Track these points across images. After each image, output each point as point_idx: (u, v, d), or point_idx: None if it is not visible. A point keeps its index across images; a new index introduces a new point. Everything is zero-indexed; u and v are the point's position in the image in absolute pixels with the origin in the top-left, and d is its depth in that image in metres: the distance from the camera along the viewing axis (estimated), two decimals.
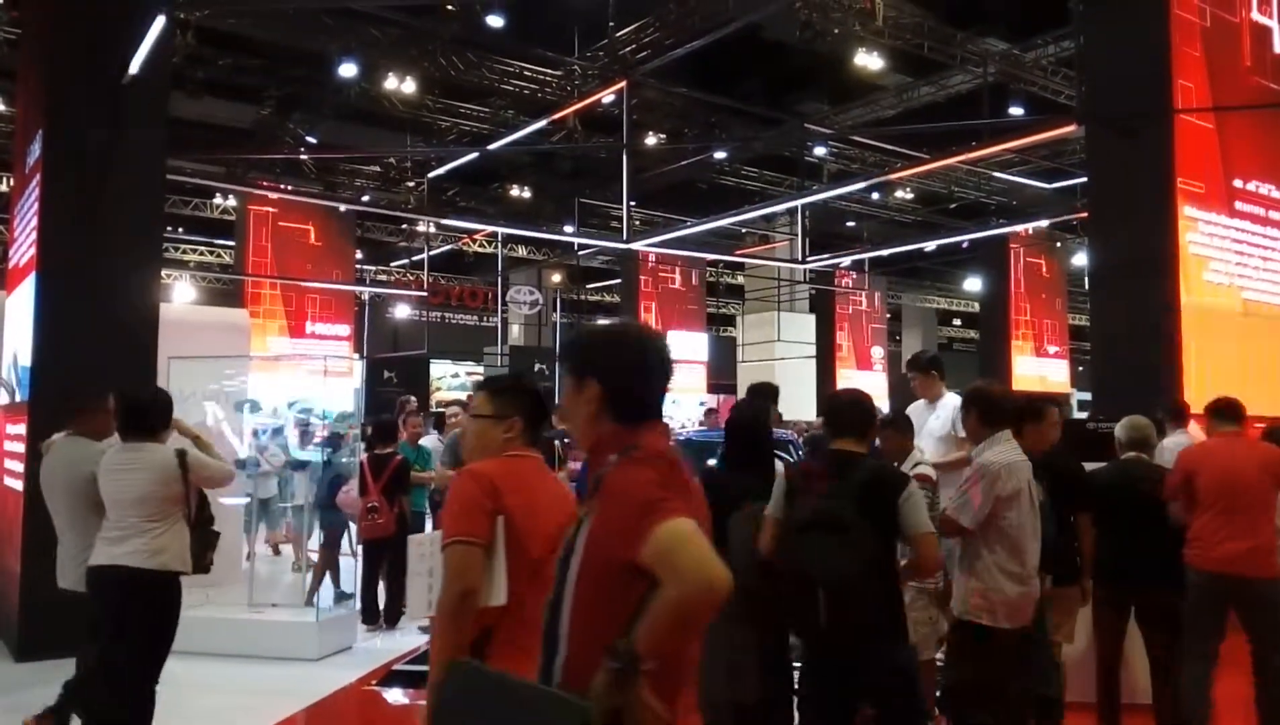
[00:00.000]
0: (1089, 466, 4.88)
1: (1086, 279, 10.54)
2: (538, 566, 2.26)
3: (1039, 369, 17.96)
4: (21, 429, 6.55)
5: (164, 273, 8.67)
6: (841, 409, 3.63)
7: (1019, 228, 17.55)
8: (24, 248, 7.17)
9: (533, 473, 2.53)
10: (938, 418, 5.45)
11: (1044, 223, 17.24)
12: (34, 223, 6.71)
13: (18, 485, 6.53)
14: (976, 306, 26.92)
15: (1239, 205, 8.11)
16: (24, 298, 6.89)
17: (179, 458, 4.25)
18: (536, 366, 19.31)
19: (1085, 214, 10.28)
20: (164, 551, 4.12)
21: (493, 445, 2.53)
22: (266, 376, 10.97)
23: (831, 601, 3.13)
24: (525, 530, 2.35)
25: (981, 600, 3.86)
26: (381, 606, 7.37)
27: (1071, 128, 8.53)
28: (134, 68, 6.53)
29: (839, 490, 3.34)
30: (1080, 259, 19.10)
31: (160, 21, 6.27)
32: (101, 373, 6.49)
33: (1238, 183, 8.12)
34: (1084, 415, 8.76)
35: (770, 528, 3.49)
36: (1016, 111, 15.26)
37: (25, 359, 6.65)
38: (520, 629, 2.24)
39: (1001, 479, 3.85)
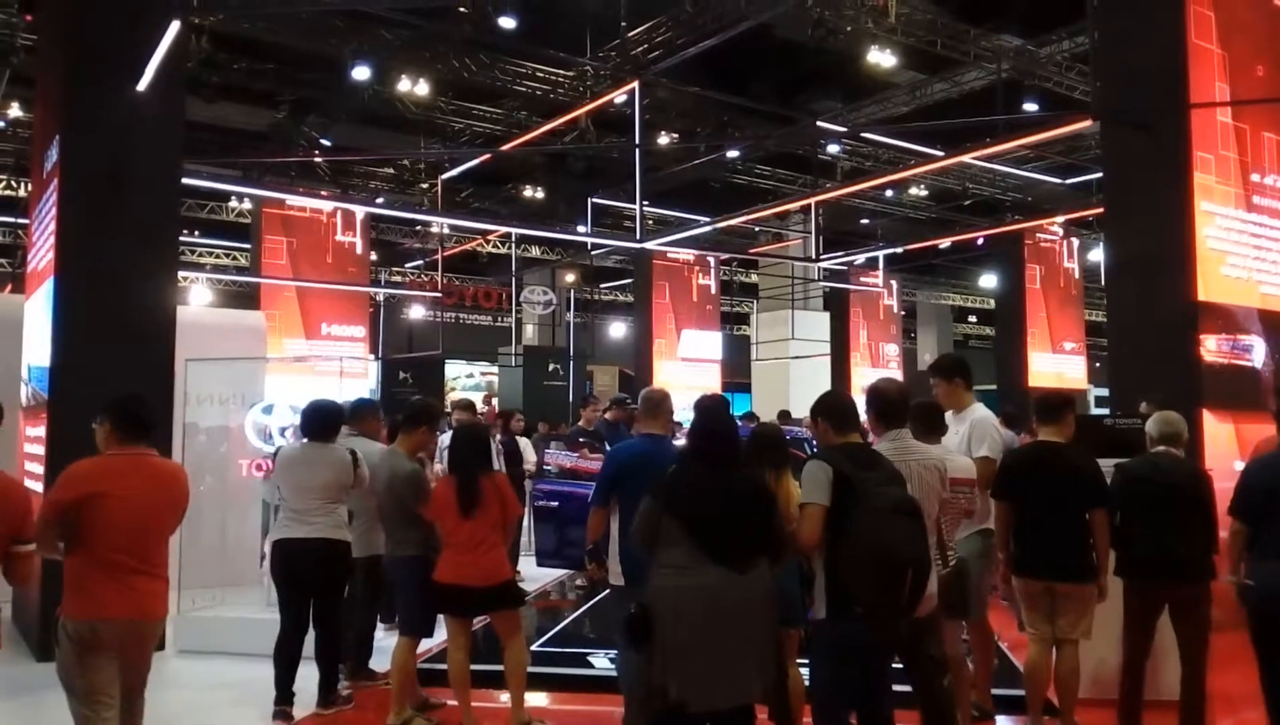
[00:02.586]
0: (1108, 462, 4.85)
1: (1103, 274, 10.48)
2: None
3: (1056, 365, 17.84)
4: (41, 431, 6.61)
5: (180, 275, 8.72)
6: (844, 408, 3.90)
7: (1034, 224, 17.45)
8: (42, 252, 7.23)
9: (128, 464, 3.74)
10: (955, 433, 4.97)
11: (1060, 219, 17.14)
12: (52, 227, 6.77)
13: (38, 487, 6.58)
14: (992, 303, 26.80)
15: (1256, 199, 8.04)
16: (42, 302, 6.95)
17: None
18: (551, 366, 19.32)
19: (1101, 209, 10.22)
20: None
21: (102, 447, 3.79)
22: (284, 378, 11.00)
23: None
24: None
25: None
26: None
27: (1087, 123, 8.48)
28: (149, 73, 6.58)
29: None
30: (1097, 254, 18.99)
31: (175, 27, 6.31)
32: (119, 375, 6.55)
33: (1255, 177, 8.05)
34: (1101, 411, 8.72)
35: (820, 516, 3.54)
36: (1031, 107, 15.18)
37: (40, 360, 6.71)
38: None
39: None
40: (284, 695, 5.25)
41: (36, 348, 7.05)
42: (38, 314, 7.15)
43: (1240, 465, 7.50)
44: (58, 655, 3.70)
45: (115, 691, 3.64)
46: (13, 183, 18.94)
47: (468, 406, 8.79)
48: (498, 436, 9.09)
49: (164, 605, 3.85)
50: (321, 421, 5.37)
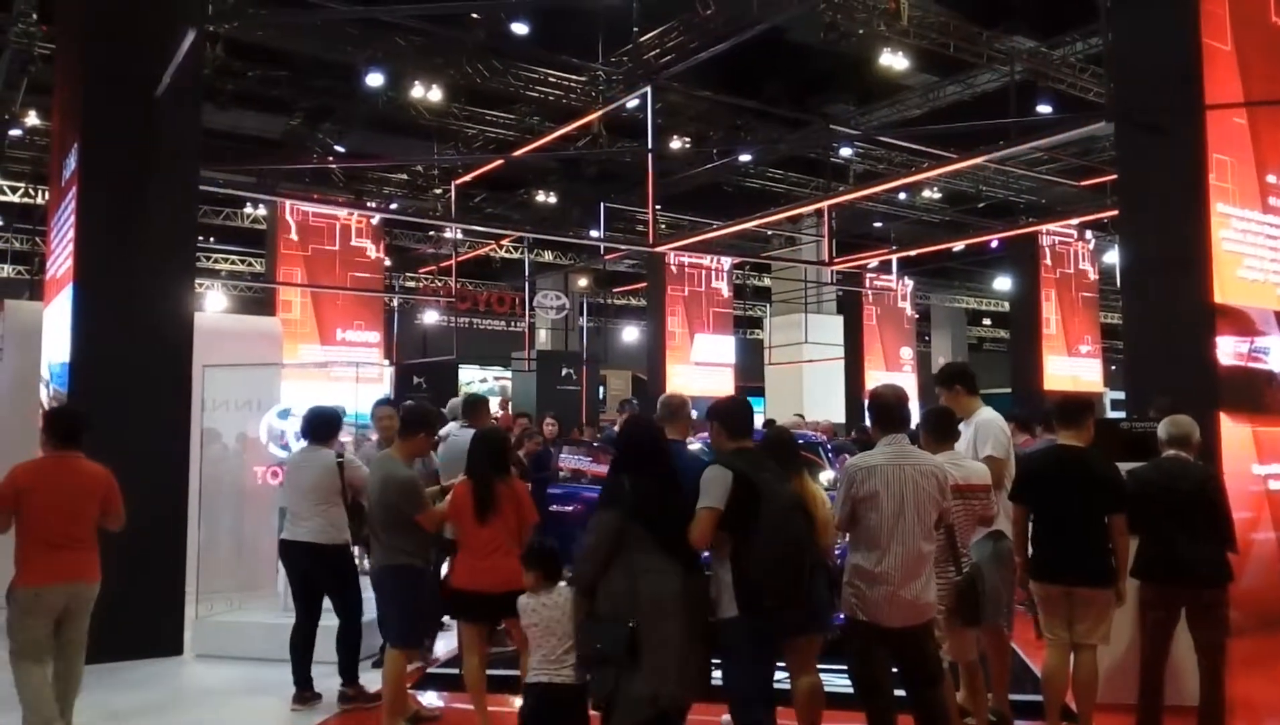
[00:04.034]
0: (1126, 466, 4.83)
1: (1118, 277, 10.43)
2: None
3: (1071, 368, 17.73)
4: None
5: (196, 282, 8.77)
6: (741, 415, 4.09)
7: (1048, 226, 17.37)
8: (61, 260, 7.29)
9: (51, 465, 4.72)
10: (963, 439, 4.98)
11: (1075, 221, 17.05)
12: (70, 235, 6.83)
13: None
14: (1006, 306, 26.69)
15: (1273, 200, 7.99)
16: (61, 309, 7.01)
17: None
18: (564, 370, 19.34)
19: (1116, 211, 10.17)
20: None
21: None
22: (300, 384, 11.05)
23: (810, 571, 3.76)
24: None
25: (849, 595, 4.00)
26: None
27: (1100, 125, 8.44)
28: (166, 81, 6.64)
29: (778, 480, 3.85)
30: (1112, 256, 18.89)
31: (191, 36, 6.36)
32: (138, 381, 6.62)
33: (1271, 178, 8.00)
34: (1117, 414, 8.68)
35: (713, 519, 3.67)
36: (1044, 109, 15.13)
37: (60, 363, 6.76)
38: None
39: (858, 482, 3.96)
40: (301, 682, 5.45)
41: (56, 353, 7.11)
42: (57, 321, 7.22)
43: (1259, 469, 7.48)
44: (6, 617, 4.63)
45: (49, 649, 4.59)
46: (30, 191, 19.11)
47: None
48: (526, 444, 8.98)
49: (93, 572, 4.73)
50: (316, 426, 5.63)
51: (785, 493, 3.83)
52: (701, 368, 18.71)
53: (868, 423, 4.31)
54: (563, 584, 4.06)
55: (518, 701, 4.97)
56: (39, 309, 8.06)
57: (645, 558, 3.61)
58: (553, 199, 21.18)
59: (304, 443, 5.76)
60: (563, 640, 3.98)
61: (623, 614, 3.55)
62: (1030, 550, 4.71)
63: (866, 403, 4.26)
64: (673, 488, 3.81)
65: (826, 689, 4.43)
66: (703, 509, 3.69)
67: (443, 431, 6.95)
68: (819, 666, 4.42)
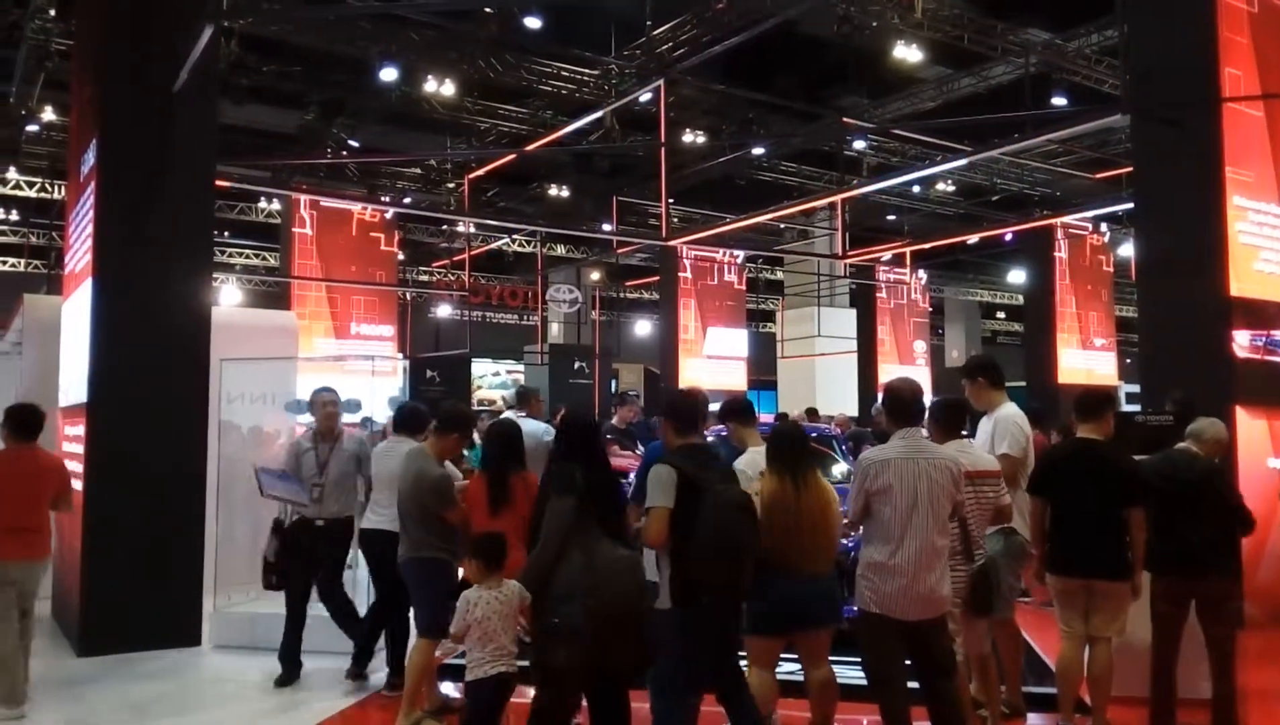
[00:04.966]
0: (1139, 459, 4.83)
1: (1133, 270, 10.38)
2: None
3: (1086, 362, 17.68)
4: (80, 430, 6.74)
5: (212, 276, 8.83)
6: (688, 411, 4.15)
7: (1063, 220, 17.30)
8: (79, 255, 7.36)
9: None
10: (982, 432, 5.03)
11: (1089, 214, 16.97)
12: (89, 230, 6.89)
13: (77, 485, 6.71)
14: (1021, 299, 26.58)
15: None
16: (80, 303, 7.08)
17: None
18: (576, 364, 19.38)
19: (1131, 204, 10.12)
20: None
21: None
22: (315, 378, 11.11)
23: (750, 567, 3.83)
24: None
25: (863, 588, 4.01)
26: None
27: (1116, 117, 8.41)
28: (184, 77, 6.69)
29: (723, 477, 3.97)
30: (1127, 250, 18.80)
31: (209, 32, 6.40)
32: (157, 375, 6.68)
33: None
34: (1132, 408, 8.65)
35: (665, 517, 3.76)
36: (1059, 102, 15.06)
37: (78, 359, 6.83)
38: None
39: (871, 475, 3.97)
40: (361, 655, 5.71)
41: (75, 348, 7.18)
42: (76, 315, 7.28)
43: (1275, 462, 7.45)
44: None
45: (15, 612, 5.24)
46: (47, 186, 19.24)
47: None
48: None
49: (44, 548, 5.47)
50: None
51: (727, 491, 3.88)
52: (714, 361, 18.72)
53: (873, 411, 4.37)
54: (511, 581, 4.04)
55: (530, 691, 5.03)
56: (58, 303, 8.12)
57: (596, 541, 3.76)
58: (565, 193, 21.20)
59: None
60: (509, 633, 4.00)
61: (577, 591, 3.66)
62: (1048, 543, 4.72)
63: (880, 395, 4.27)
64: (612, 476, 3.99)
65: (841, 681, 4.45)
66: (654, 509, 3.79)
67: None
68: (832, 659, 4.44)
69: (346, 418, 7.55)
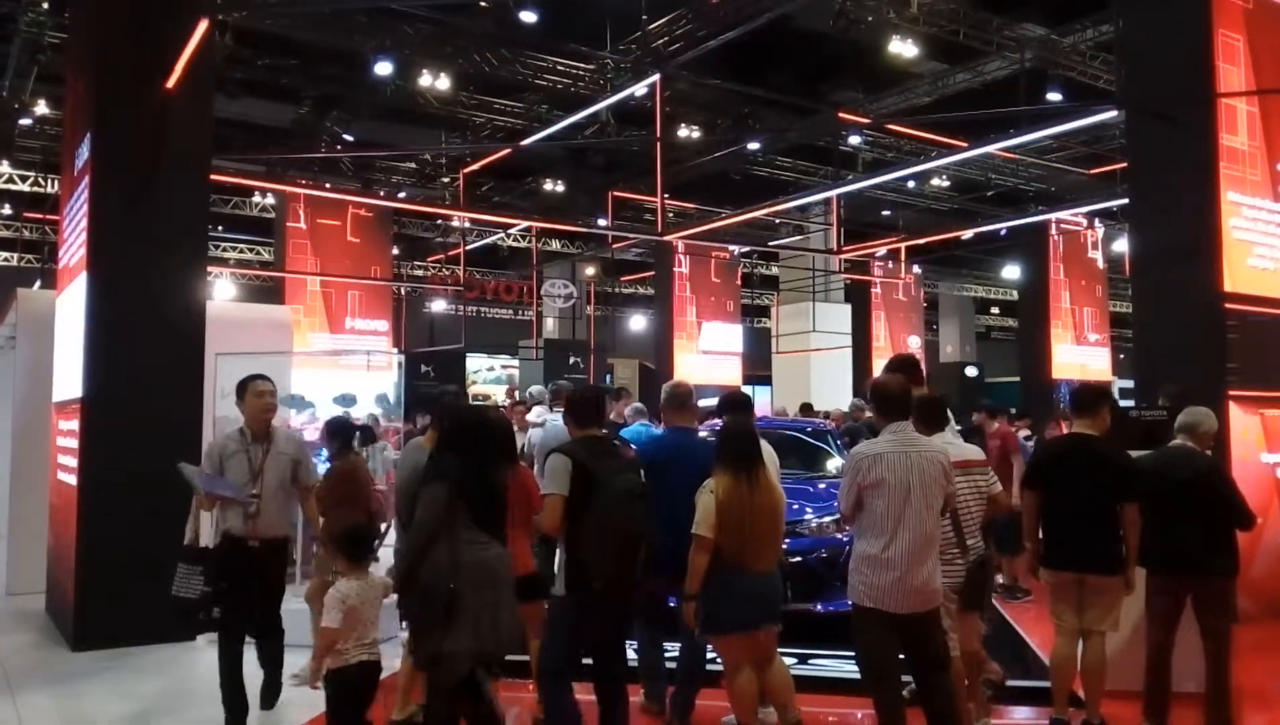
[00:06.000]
0: (1134, 455, 4.84)
1: (1127, 266, 10.40)
2: None
3: (1080, 357, 17.72)
4: (75, 425, 6.72)
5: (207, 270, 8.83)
6: (588, 405, 4.36)
7: (1057, 215, 17.32)
8: (74, 248, 7.34)
9: None
10: None
11: (1084, 209, 16.99)
12: (83, 224, 6.87)
13: (72, 479, 6.70)
14: (1015, 294, 26.62)
15: None
16: (74, 297, 7.06)
17: None
18: (571, 359, 19.37)
19: (1126, 200, 10.14)
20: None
21: None
22: (310, 372, 11.10)
23: (645, 554, 4.02)
24: None
25: (856, 582, 4.03)
26: None
27: (1111, 113, 8.42)
28: (178, 71, 6.67)
29: (620, 468, 4.15)
30: (1121, 245, 18.83)
31: (204, 26, 6.39)
32: (152, 370, 6.67)
33: None
34: (1125, 403, 8.67)
35: (560, 504, 3.98)
36: (1055, 97, 15.06)
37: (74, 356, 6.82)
38: None
39: (864, 469, 4.00)
40: None
41: (69, 342, 7.16)
42: (70, 310, 7.26)
43: (1268, 457, 7.48)
44: None
45: None
46: (40, 180, 19.17)
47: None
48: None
49: None
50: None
51: (622, 481, 4.07)
52: (709, 356, 18.73)
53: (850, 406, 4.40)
54: (377, 574, 4.17)
55: (531, 686, 5.04)
56: (52, 297, 8.11)
57: (466, 530, 3.73)
58: (561, 187, 21.17)
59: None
60: (375, 623, 4.12)
61: (443, 580, 3.63)
62: (1042, 537, 4.73)
63: (868, 391, 4.30)
64: (491, 469, 3.94)
65: (834, 675, 4.47)
66: (549, 496, 4.02)
67: (531, 416, 7.16)
68: (824, 652, 4.45)
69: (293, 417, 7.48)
